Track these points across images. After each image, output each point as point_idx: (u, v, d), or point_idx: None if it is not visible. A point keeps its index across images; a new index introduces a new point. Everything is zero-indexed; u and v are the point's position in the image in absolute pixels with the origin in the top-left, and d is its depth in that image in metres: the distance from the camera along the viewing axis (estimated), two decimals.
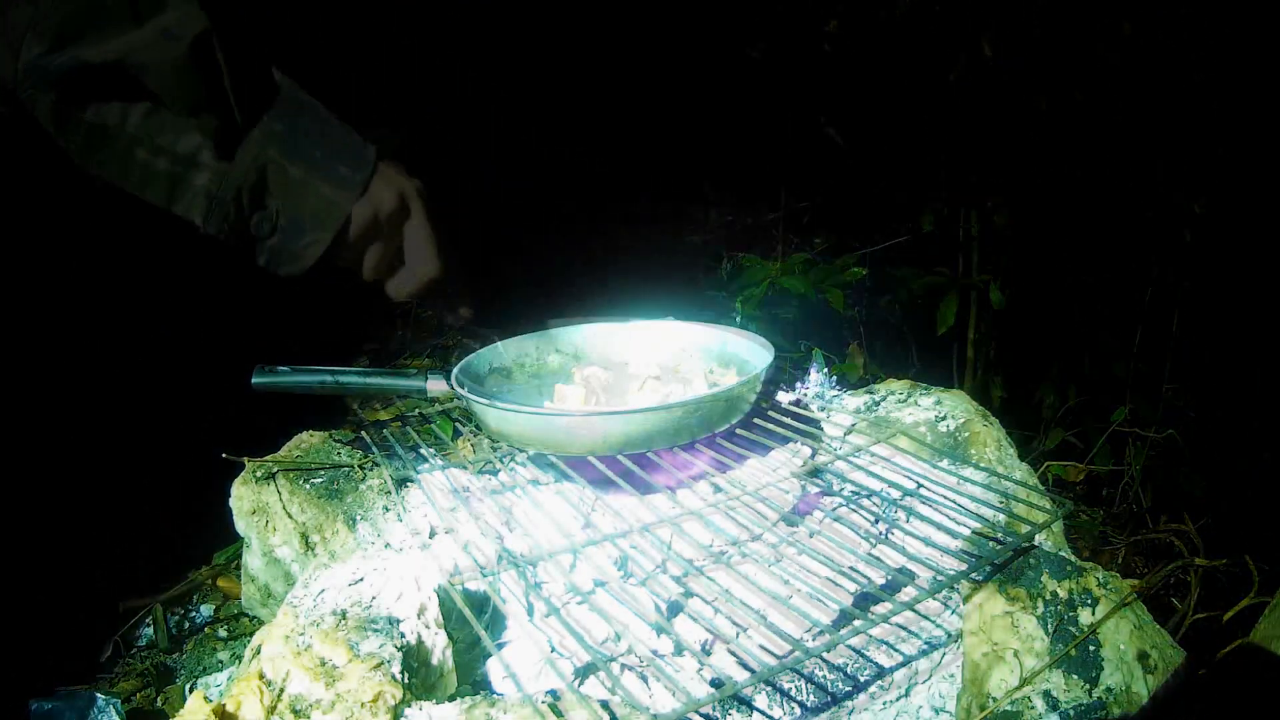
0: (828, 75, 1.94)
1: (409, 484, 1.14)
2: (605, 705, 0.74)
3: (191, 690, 1.02)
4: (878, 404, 1.31)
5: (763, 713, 0.90)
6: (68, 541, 1.29)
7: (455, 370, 1.15)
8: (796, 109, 2.09)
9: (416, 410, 1.25)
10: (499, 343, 1.26)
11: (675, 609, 0.97)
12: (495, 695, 0.80)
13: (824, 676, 0.93)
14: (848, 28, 1.84)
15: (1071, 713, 0.84)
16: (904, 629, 0.96)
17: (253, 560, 1.16)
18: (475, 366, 1.22)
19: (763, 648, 0.96)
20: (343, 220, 0.98)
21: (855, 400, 1.33)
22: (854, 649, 0.94)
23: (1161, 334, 1.65)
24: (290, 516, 1.11)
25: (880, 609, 0.89)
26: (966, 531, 1.00)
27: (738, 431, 1.09)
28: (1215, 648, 1.15)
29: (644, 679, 0.92)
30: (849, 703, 0.92)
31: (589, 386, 1.19)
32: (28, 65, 0.89)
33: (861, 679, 0.94)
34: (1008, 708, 0.85)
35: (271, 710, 0.76)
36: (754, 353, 1.19)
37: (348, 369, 1.16)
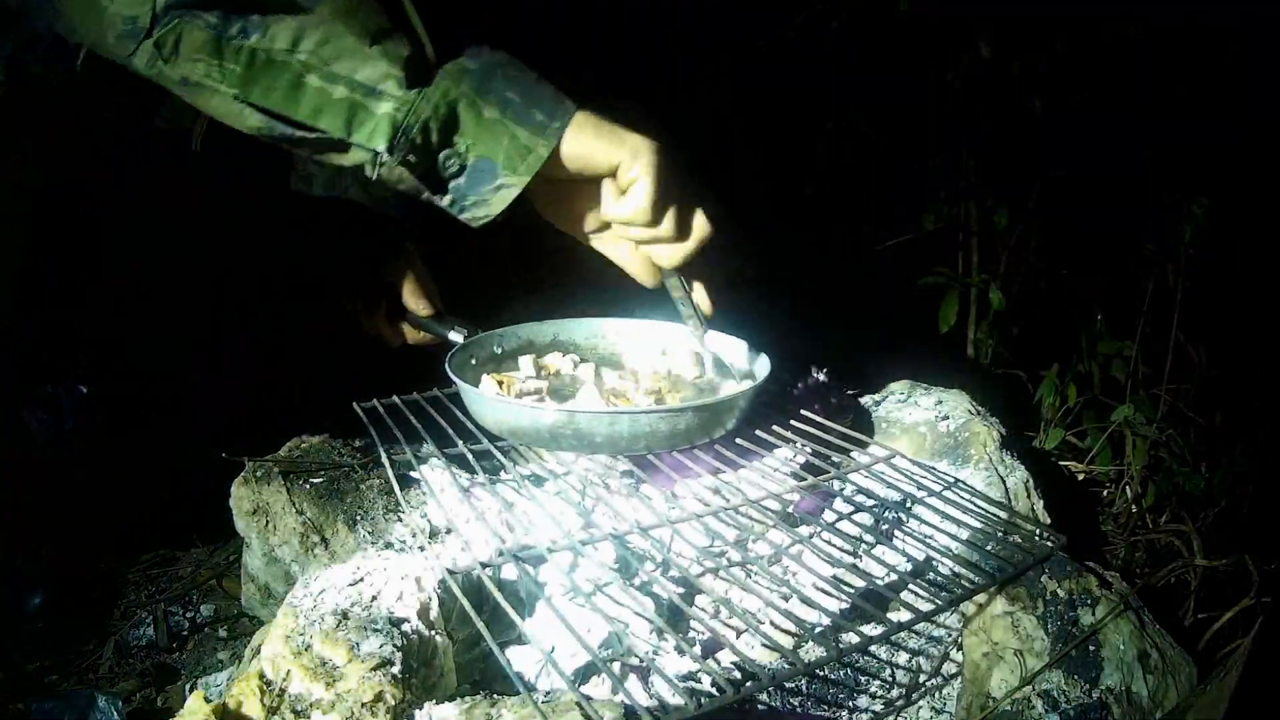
0: (827, 75, 1.94)
1: (410, 483, 1.13)
2: (606, 705, 0.74)
3: (191, 690, 1.02)
4: (878, 404, 1.31)
5: (764, 713, 0.90)
6: (68, 542, 1.29)
7: (454, 352, 1.14)
8: (796, 108, 2.09)
9: (415, 395, 1.24)
10: (498, 330, 1.26)
11: (676, 610, 0.97)
12: (496, 695, 0.80)
13: (825, 677, 0.93)
14: (848, 27, 1.84)
15: (1071, 713, 0.84)
16: (905, 629, 0.96)
17: (253, 560, 1.16)
18: (477, 350, 1.22)
19: (764, 648, 0.96)
20: (540, 166, 0.90)
21: (856, 401, 1.33)
22: (856, 650, 0.94)
23: (1161, 334, 1.65)
24: (290, 516, 1.11)
25: (892, 615, 0.88)
26: (967, 535, 1.00)
27: (738, 435, 1.09)
28: (1215, 648, 1.15)
29: (645, 680, 0.92)
30: (850, 702, 0.92)
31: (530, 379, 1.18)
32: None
33: (862, 679, 0.94)
34: (1008, 708, 0.85)
35: (271, 710, 0.76)
36: (753, 359, 1.18)
37: None
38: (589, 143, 0.91)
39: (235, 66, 0.85)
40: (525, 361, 1.21)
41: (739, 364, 1.20)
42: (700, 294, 1.04)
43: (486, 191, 0.91)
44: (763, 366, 1.11)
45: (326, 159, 0.92)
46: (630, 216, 0.94)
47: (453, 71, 0.89)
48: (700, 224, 0.97)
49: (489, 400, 1.05)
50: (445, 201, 0.93)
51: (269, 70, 0.86)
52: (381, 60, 0.86)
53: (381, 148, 0.88)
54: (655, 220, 0.94)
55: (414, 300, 1.26)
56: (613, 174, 0.93)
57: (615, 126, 0.92)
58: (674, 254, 0.98)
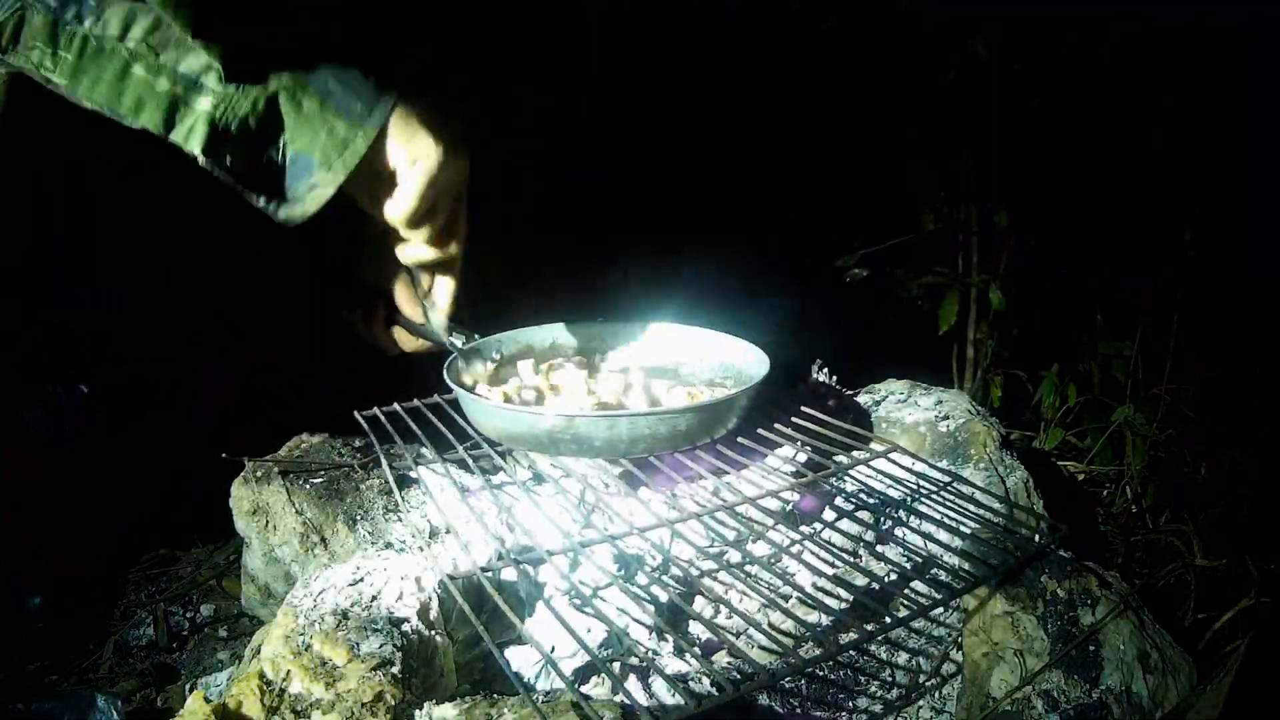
0: (827, 74, 1.94)
1: (409, 483, 1.14)
2: (605, 706, 0.74)
3: (191, 690, 1.02)
4: (878, 404, 1.31)
5: (763, 713, 0.90)
6: (68, 542, 1.29)
7: (451, 359, 1.14)
8: (796, 107, 2.09)
9: (415, 401, 1.24)
10: (501, 335, 1.25)
11: (676, 610, 0.97)
12: (495, 695, 0.80)
13: (825, 677, 0.93)
14: (847, 27, 1.84)
15: (1071, 713, 0.84)
16: (904, 628, 0.96)
17: (253, 560, 1.16)
18: (476, 356, 1.21)
19: (764, 649, 0.96)
20: (355, 163, 0.89)
21: (856, 400, 1.34)
22: (856, 649, 0.94)
23: (1161, 334, 1.65)
24: (290, 516, 1.11)
25: (893, 612, 0.88)
26: (968, 532, 1.00)
27: (739, 435, 1.09)
28: (1215, 648, 1.15)
29: (644, 680, 0.92)
30: (850, 703, 0.92)
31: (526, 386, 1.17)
32: None
33: (862, 679, 0.94)
34: (1008, 708, 0.85)
35: (271, 710, 0.76)
36: (750, 361, 1.18)
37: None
38: (395, 136, 0.91)
39: (68, 55, 0.85)
40: (525, 366, 1.21)
41: (739, 364, 1.20)
42: (440, 295, 1.08)
43: (302, 190, 0.90)
44: (761, 367, 1.11)
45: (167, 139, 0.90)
46: (391, 219, 0.97)
47: (270, 65, 0.87)
48: (454, 243, 1.02)
49: (487, 406, 1.05)
50: (260, 202, 0.91)
51: (98, 59, 0.85)
52: (204, 52, 0.85)
53: (197, 150, 0.86)
54: (412, 226, 0.97)
55: (411, 307, 1.26)
56: (394, 174, 0.94)
57: (423, 127, 0.92)
58: (419, 256, 1.02)
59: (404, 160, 0.92)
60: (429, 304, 1.11)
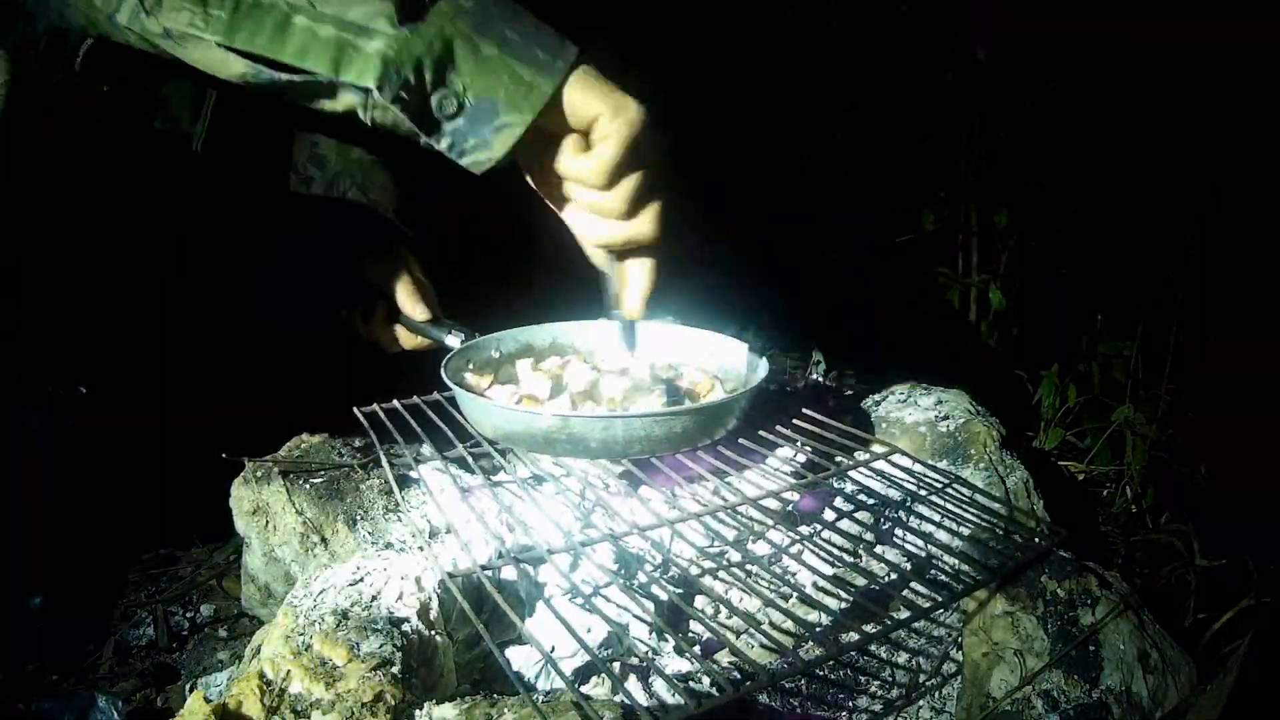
0: (827, 73, 1.94)
1: (409, 482, 1.14)
2: (605, 705, 0.74)
3: (191, 690, 1.02)
4: (878, 404, 1.31)
5: (764, 713, 0.90)
6: (67, 541, 1.29)
7: (450, 357, 1.13)
8: (796, 107, 2.09)
9: (415, 399, 1.24)
10: (500, 333, 1.25)
11: (676, 610, 0.97)
12: (495, 695, 0.80)
13: (825, 677, 0.93)
14: (848, 26, 1.84)
15: (1071, 713, 0.84)
16: (904, 629, 0.96)
17: (253, 560, 1.16)
18: (475, 354, 1.21)
19: (764, 649, 0.96)
20: (543, 104, 0.84)
21: (856, 401, 1.34)
22: (856, 649, 0.94)
23: (1161, 334, 1.65)
24: (290, 516, 1.11)
25: (894, 613, 0.88)
26: (967, 533, 1.00)
27: (739, 435, 1.09)
28: (1215, 648, 1.15)
29: (645, 680, 0.92)
30: (850, 702, 0.92)
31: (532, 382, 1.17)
32: None
33: (862, 679, 0.94)
34: (1008, 708, 0.85)
35: (271, 710, 0.76)
36: (749, 363, 1.18)
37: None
38: (584, 90, 0.86)
39: (220, 12, 0.83)
40: (523, 365, 1.20)
41: (739, 366, 1.19)
42: (632, 290, 0.98)
43: (488, 132, 0.85)
44: (760, 370, 1.11)
45: (316, 105, 0.88)
46: (583, 175, 0.88)
47: (447, 10, 0.84)
48: (651, 214, 0.91)
49: (484, 405, 1.04)
50: (444, 145, 0.87)
51: (255, 12, 0.83)
52: (371, 0, 0.83)
53: (371, 84, 0.83)
54: (606, 185, 0.88)
55: (410, 305, 1.25)
56: (588, 128, 0.88)
57: (610, 82, 0.87)
58: (612, 233, 0.92)
59: (604, 110, 0.86)
60: (614, 285, 0.98)
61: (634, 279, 0.97)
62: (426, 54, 0.83)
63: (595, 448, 0.99)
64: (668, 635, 0.92)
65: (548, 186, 0.94)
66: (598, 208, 0.90)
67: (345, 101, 0.86)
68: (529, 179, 0.95)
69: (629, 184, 0.88)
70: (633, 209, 0.90)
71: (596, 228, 0.92)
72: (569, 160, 0.89)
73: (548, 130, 0.88)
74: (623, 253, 0.95)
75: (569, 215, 0.95)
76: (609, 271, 0.97)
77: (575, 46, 0.86)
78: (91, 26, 0.95)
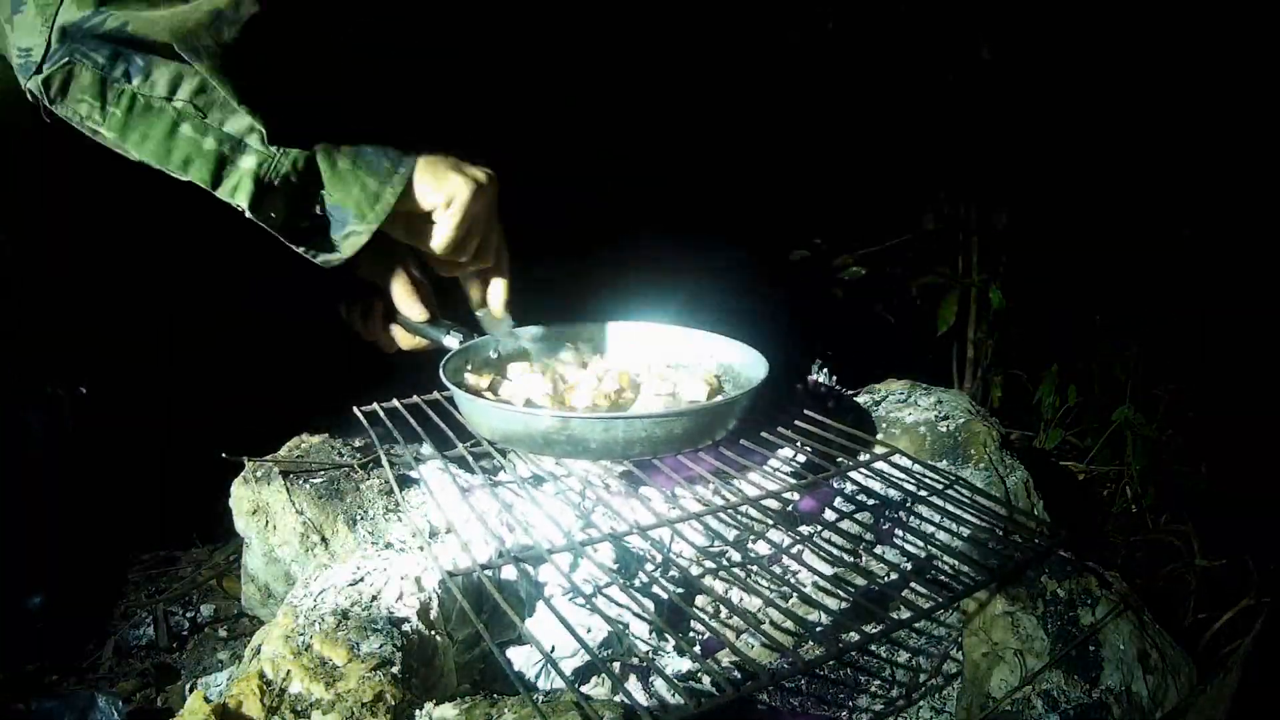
0: (827, 73, 1.94)
1: (410, 482, 1.13)
2: (606, 705, 0.74)
3: (191, 690, 1.02)
4: (878, 404, 1.31)
5: (764, 712, 0.90)
6: (67, 541, 1.29)
7: (448, 358, 1.13)
8: (796, 107, 2.09)
9: (415, 398, 1.24)
10: (498, 334, 1.25)
11: (676, 610, 0.97)
12: (495, 695, 0.80)
13: (825, 676, 0.93)
14: (847, 26, 1.84)
15: (1071, 713, 0.84)
16: (904, 628, 0.96)
17: (253, 560, 1.16)
18: (474, 354, 1.21)
19: (764, 647, 0.96)
20: (387, 213, 0.99)
21: (856, 400, 1.34)
22: (856, 649, 0.94)
23: (1161, 333, 1.65)
24: (290, 516, 1.11)
25: (894, 613, 0.88)
26: (968, 533, 1.00)
27: (740, 436, 1.09)
28: (1215, 648, 1.15)
29: (645, 679, 0.92)
30: (850, 702, 0.92)
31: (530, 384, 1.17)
32: (71, 26, 0.87)
33: (862, 679, 0.94)
34: (1008, 708, 0.85)
35: (271, 710, 0.76)
36: (749, 363, 1.18)
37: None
38: (423, 186, 1.02)
39: (116, 111, 0.91)
40: (518, 369, 1.20)
41: (738, 367, 1.19)
42: (494, 292, 1.18)
43: (339, 237, 1.00)
44: (760, 370, 1.11)
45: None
46: (435, 253, 1.08)
47: (309, 128, 0.96)
48: (490, 249, 1.13)
49: (483, 406, 1.04)
50: (300, 249, 1.00)
51: (146, 116, 0.91)
52: (247, 116, 0.92)
53: (244, 204, 0.94)
54: (455, 253, 1.08)
55: (408, 305, 1.26)
56: (430, 214, 1.04)
57: (446, 171, 1.04)
58: (465, 271, 1.15)
59: (439, 201, 1.03)
60: (484, 313, 1.21)
61: (493, 292, 1.19)
62: (292, 170, 0.95)
63: (595, 449, 0.99)
64: (668, 635, 0.92)
65: (414, 243, 1.10)
66: (453, 263, 1.12)
67: (233, 201, 0.96)
68: (396, 239, 1.08)
69: (471, 245, 1.09)
70: (477, 254, 1.11)
71: (454, 272, 1.15)
72: (421, 241, 1.07)
73: (411, 214, 1.04)
74: (475, 276, 1.17)
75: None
76: (466, 288, 1.20)
77: (413, 153, 1.02)
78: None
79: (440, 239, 1.06)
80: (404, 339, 1.31)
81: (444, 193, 1.03)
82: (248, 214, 0.95)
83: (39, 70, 0.89)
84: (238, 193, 0.94)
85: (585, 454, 1.00)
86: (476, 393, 1.10)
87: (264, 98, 0.93)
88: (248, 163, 0.93)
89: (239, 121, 0.92)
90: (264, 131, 0.92)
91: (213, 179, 0.93)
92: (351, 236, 0.99)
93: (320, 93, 1.01)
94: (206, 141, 0.92)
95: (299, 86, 0.98)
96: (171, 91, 0.90)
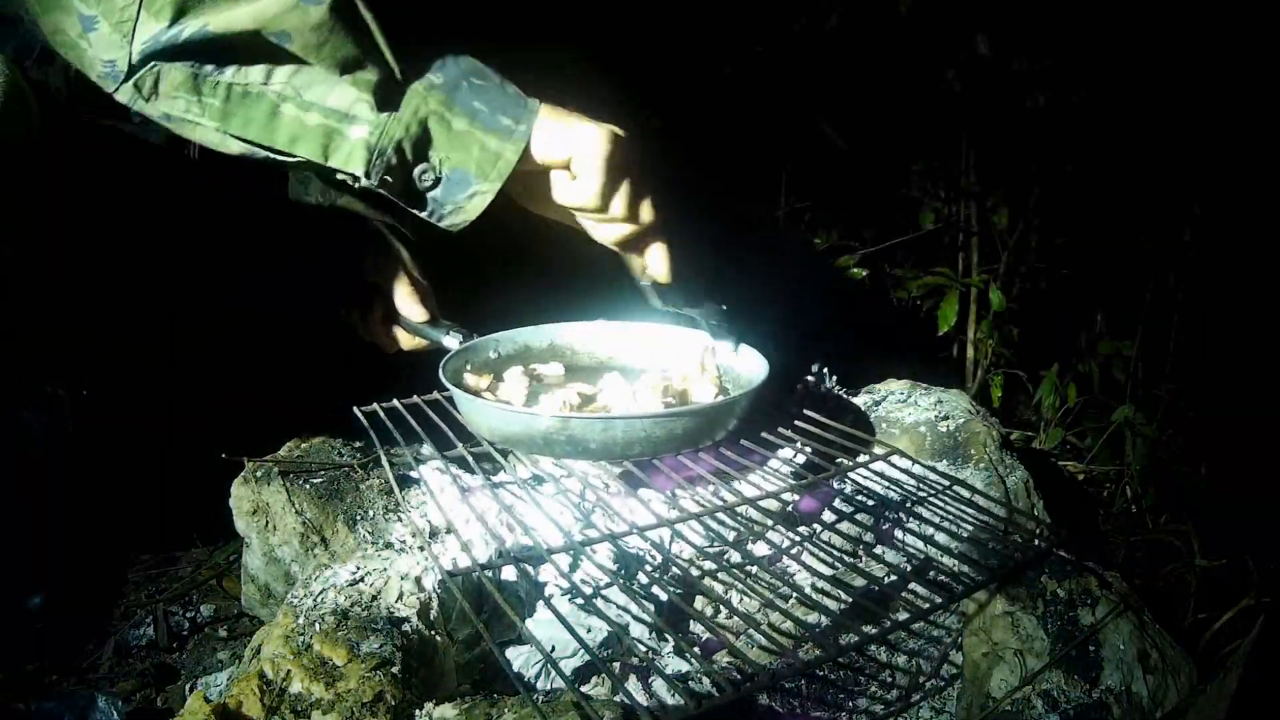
0: (827, 72, 1.94)
1: (409, 482, 1.13)
2: (605, 705, 0.74)
3: (191, 690, 1.02)
4: (878, 404, 1.31)
5: (763, 713, 0.90)
6: (67, 541, 1.29)
7: (448, 358, 1.13)
8: (795, 106, 2.09)
9: (415, 399, 1.24)
10: (498, 334, 1.25)
11: (676, 610, 0.97)
12: (495, 695, 0.80)
13: (825, 677, 0.93)
14: (847, 25, 1.84)
15: (1071, 713, 0.84)
16: (904, 629, 0.96)
17: (253, 560, 1.16)
18: (474, 355, 1.21)
19: (764, 649, 0.96)
20: (510, 171, 0.95)
21: (856, 401, 1.33)
22: (856, 650, 0.94)
23: (1161, 334, 1.65)
24: (290, 516, 1.11)
25: (894, 614, 0.88)
26: (967, 534, 1.00)
27: (740, 437, 1.09)
28: (1215, 648, 1.15)
29: (645, 680, 0.92)
30: (850, 703, 0.92)
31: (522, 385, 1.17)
32: (150, 43, 0.86)
33: (862, 679, 0.94)
34: (1008, 708, 0.85)
35: (271, 710, 0.76)
36: (748, 364, 1.17)
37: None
38: (550, 138, 0.96)
39: (214, 100, 0.90)
40: (514, 373, 1.19)
41: (737, 368, 1.19)
42: (656, 260, 1.08)
43: (462, 199, 0.96)
44: (760, 370, 1.11)
45: (312, 174, 0.97)
46: (577, 204, 1.00)
47: (420, 90, 0.93)
48: (647, 208, 1.02)
49: (482, 407, 1.04)
50: (425, 213, 0.98)
51: (245, 102, 0.90)
52: (350, 87, 0.90)
53: (359, 171, 0.92)
54: (603, 206, 0.99)
55: (408, 306, 1.26)
56: (568, 165, 0.98)
57: (573, 118, 0.97)
58: (621, 233, 1.03)
59: (570, 153, 0.97)
60: (648, 286, 1.11)
61: (654, 259, 1.07)
62: (405, 136, 0.92)
63: (595, 449, 0.99)
64: (668, 635, 0.92)
65: (550, 209, 1.04)
66: (601, 220, 1.02)
67: (340, 176, 0.95)
68: (530, 208, 1.05)
69: (620, 197, 1.00)
70: (630, 211, 1.01)
71: (607, 232, 1.04)
72: (561, 193, 1.01)
73: (530, 171, 0.98)
74: (635, 242, 1.05)
75: (580, 224, 1.05)
76: (627, 258, 1.09)
77: (536, 103, 0.96)
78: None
79: (583, 191, 0.98)
80: (404, 340, 1.31)
81: (573, 142, 0.97)
82: (364, 182, 0.93)
83: (128, 78, 0.89)
84: (351, 162, 0.92)
85: (585, 454, 1.00)
86: (475, 393, 1.10)
87: (366, 66, 0.91)
88: (358, 133, 0.91)
89: (343, 95, 0.91)
90: (371, 100, 0.91)
91: (323, 152, 0.92)
92: (476, 197, 0.96)
93: (426, 53, 0.95)
94: (310, 117, 0.91)
95: (403, 50, 0.93)
96: (267, 77, 0.90)
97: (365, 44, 0.91)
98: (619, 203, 1.00)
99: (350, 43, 0.90)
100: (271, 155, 0.93)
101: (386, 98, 0.92)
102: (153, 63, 0.88)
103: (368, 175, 0.93)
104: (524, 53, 1.02)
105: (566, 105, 0.99)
